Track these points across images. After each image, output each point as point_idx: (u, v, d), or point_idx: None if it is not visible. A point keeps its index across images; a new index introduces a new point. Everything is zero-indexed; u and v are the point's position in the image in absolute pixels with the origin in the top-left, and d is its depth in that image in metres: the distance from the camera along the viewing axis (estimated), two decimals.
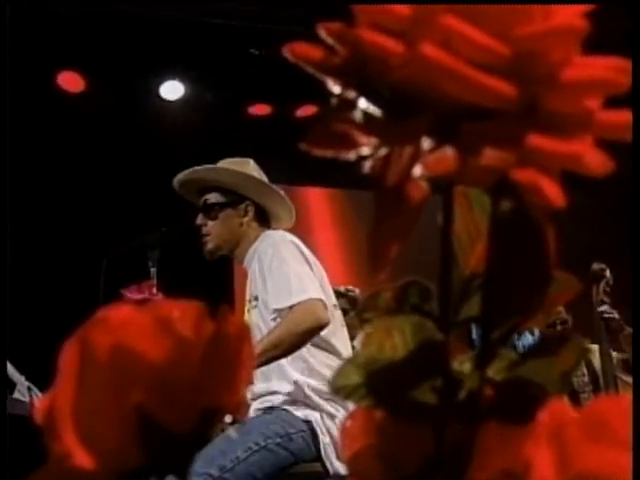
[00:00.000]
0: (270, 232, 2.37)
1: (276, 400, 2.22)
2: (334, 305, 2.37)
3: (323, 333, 2.25)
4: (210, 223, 2.41)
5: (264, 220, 2.43)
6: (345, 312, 4.14)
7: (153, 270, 2.34)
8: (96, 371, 0.33)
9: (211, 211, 2.42)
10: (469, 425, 0.33)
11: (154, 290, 2.05)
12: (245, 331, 0.36)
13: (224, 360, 0.35)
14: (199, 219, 2.42)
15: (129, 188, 4.77)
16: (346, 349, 2.33)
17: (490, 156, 0.30)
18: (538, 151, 0.29)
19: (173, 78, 4.97)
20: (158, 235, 2.46)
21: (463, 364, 0.35)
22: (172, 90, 5.02)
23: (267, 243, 2.31)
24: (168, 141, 4.70)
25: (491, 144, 0.30)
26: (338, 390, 0.38)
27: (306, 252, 2.31)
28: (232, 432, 1.94)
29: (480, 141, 0.30)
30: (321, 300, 2.15)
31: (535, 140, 0.29)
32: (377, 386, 0.35)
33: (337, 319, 2.36)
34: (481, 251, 0.36)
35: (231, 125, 4.89)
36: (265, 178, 2.49)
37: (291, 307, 2.16)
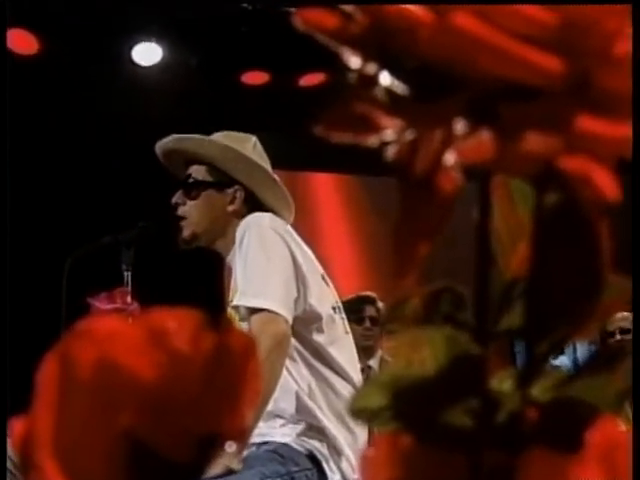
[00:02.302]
0: (249, 216, 2.30)
1: (273, 432, 2.23)
2: (334, 308, 2.36)
3: (321, 341, 2.27)
4: (189, 204, 2.37)
5: (254, 212, 2.36)
6: (374, 321, 4.21)
7: (127, 274, 2.36)
8: (79, 391, 0.36)
9: (192, 189, 2.38)
10: (510, 452, 0.35)
11: (128, 299, 2.07)
12: (250, 345, 0.38)
13: (226, 378, 0.38)
14: (177, 196, 2.39)
15: (97, 173, 4.79)
16: (348, 361, 2.33)
17: (534, 141, 0.32)
18: (589, 135, 0.31)
19: (148, 39, 5.00)
20: (134, 231, 2.47)
21: (503, 382, 0.37)
22: (147, 54, 5.04)
23: (242, 229, 2.25)
24: (143, 116, 4.72)
25: (535, 127, 0.32)
26: (358, 413, 0.40)
27: (292, 241, 2.26)
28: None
29: (522, 124, 0.32)
30: (280, 314, 2.14)
31: (585, 123, 0.31)
32: (404, 408, 0.37)
33: (338, 325, 2.35)
34: (524, 251, 0.38)
35: (220, 97, 4.91)
36: (268, 164, 2.44)
37: (249, 310, 2.15)
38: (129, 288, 2.29)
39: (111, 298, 2.05)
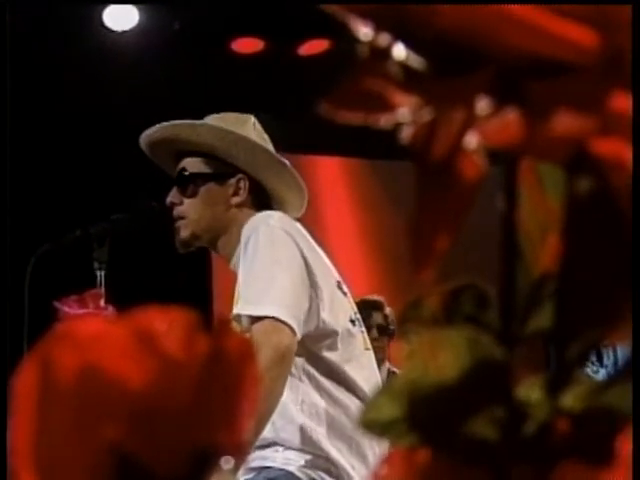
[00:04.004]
0: (256, 216, 2.31)
1: (274, 457, 2.24)
2: (352, 321, 2.37)
3: (335, 359, 2.28)
4: (187, 202, 2.37)
5: (262, 203, 2.38)
6: (382, 329, 4.21)
7: (100, 274, 2.37)
8: (61, 399, 0.37)
9: (189, 185, 2.38)
10: (539, 467, 0.37)
11: (102, 302, 2.09)
12: (248, 349, 0.40)
13: (222, 387, 0.39)
14: (171, 195, 2.39)
15: (63, 159, 4.80)
16: (368, 382, 2.34)
17: (565, 122, 0.34)
18: (623, 116, 0.33)
19: (122, 0, 5.01)
20: (107, 225, 2.48)
21: (531, 390, 0.39)
22: (121, 17, 5.05)
23: (248, 231, 2.26)
24: (115, 92, 4.73)
25: (566, 107, 0.34)
26: (369, 426, 0.42)
27: (304, 245, 2.27)
28: None
29: (552, 103, 0.34)
30: (286, 324, 2.13)
31: (620, 102, 0.33)
32: (420, 419, 0.39)
33: (357, 340, 2.36)
34: (555, 245, 0.40)
35: (208, 68, 4.92)
36: (270, 146, 2.44)
37: (251, 319, 2.15)
38: (102, 290, 2.30)
39: (82, 301, 2.07)
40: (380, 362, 4.19)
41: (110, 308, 2.11)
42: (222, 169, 2.40)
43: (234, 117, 2.45)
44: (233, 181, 2.39)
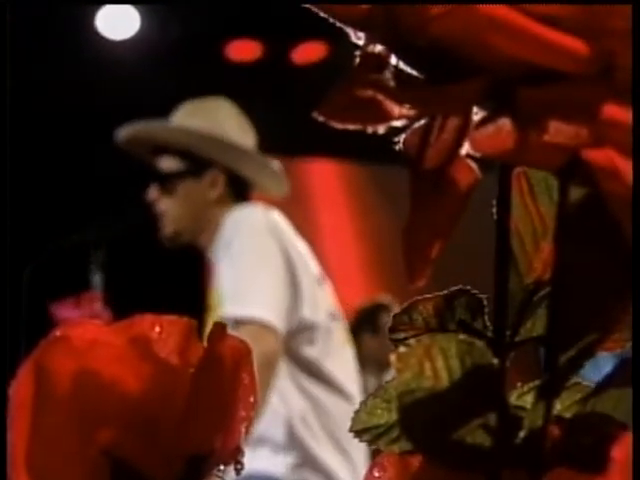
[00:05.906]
0: (237, 209, 2.34)
1: (260, 457, 2.23)
2: (331, 315, 2.37)
3: (315, 355, 2.28)
4: (166, 199, 2.40)
5: (241, 192, 2.41)
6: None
7: (97, 277, 2.38)
8: (56, 404, 0.38)
9: (166, 183, 2.41)
10: (531, 473, 0.37)
11: (98, 305, 2.09)
12: (245, 355, 0.40)
13: (218, 392, 0.40)
14: (151, 192, 2.42)
15: (59, 166, 4.79)
16: (346, 375, 2.34)
17: (557, 130, 0.34)
18: (616, 124, 0.33)
19: (116, 2, 4.97)
20: (104, 230, 2.48)
21: (524, 396, 0.39)
22: (116, 23, 5.00)
23: (231, 227, 2.28)
24: (110, 100, 4.73)
25: (558, 115, 0.34)
26: (362, 432, 0.42)
27: (287, 242, 2.27)
28: None
29: (545, 111, 0.34)
30: (271, 324, 2.13)
31: (612, 110, 0.33)
32: (413, 425, 0.39)
33: (335, 336, 2.36)
34: (548, 252, 0.40)
35: (203, 73, 4.91)
36: (246, 131, 2.45)
37: (236, 320, 2.15)
38: (99, 293, 2.30)
39: (78, 304, 2.07)
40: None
41: (107, 311, 2.11)
42: (198, 164, 2.40)
43: (206, 107, 2.46)
44: (209, 175, 2.41)
